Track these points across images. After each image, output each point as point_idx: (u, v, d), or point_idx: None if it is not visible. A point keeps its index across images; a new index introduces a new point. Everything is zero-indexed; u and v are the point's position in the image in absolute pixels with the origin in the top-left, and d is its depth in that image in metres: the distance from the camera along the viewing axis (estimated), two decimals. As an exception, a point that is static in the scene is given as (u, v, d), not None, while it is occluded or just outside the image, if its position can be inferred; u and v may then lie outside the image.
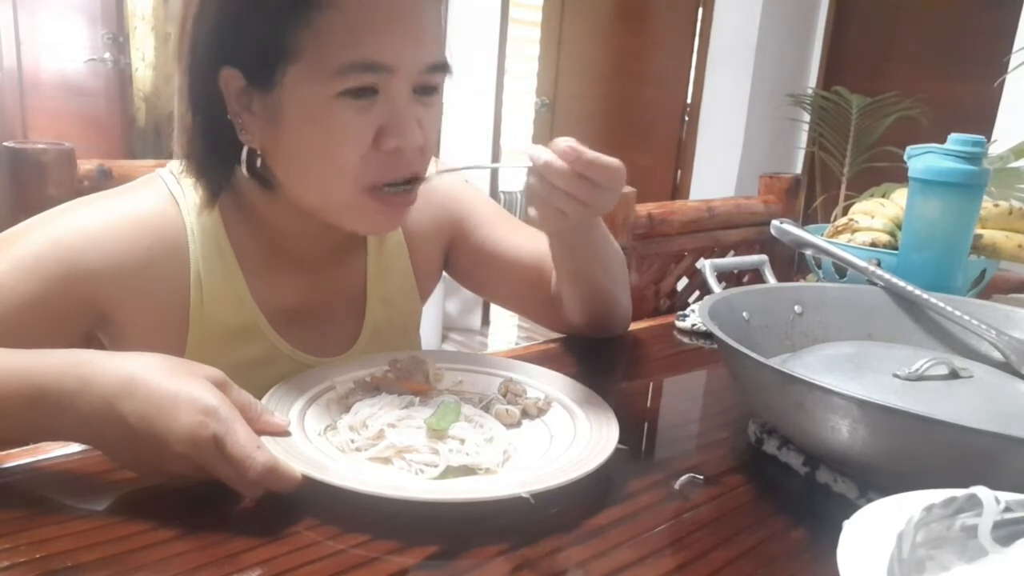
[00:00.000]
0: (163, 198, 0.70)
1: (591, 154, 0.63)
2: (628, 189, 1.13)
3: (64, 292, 0.64)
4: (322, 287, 0.78)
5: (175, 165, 0.71)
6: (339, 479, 0.49)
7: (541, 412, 0.65)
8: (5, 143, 0.79)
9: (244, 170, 0.68)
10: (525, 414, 0.65)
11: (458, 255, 0.90)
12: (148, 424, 0.47)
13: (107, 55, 3.28)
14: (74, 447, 0.55)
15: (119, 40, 3.27)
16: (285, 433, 0.55)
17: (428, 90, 0.66)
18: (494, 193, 4.02)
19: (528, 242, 0.90)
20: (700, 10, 3.18)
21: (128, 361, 0.50)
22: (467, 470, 0.54)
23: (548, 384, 0.70)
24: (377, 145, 0.64)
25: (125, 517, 0.48)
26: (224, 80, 0.64)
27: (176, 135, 0.68)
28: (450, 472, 0.54)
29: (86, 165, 0.85)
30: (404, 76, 0.63)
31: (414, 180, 0.68)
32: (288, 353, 0.75)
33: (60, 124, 3.56)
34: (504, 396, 0.67)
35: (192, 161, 0.68)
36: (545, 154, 0.64)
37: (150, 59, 3.43)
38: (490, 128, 3.81)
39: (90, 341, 0.73)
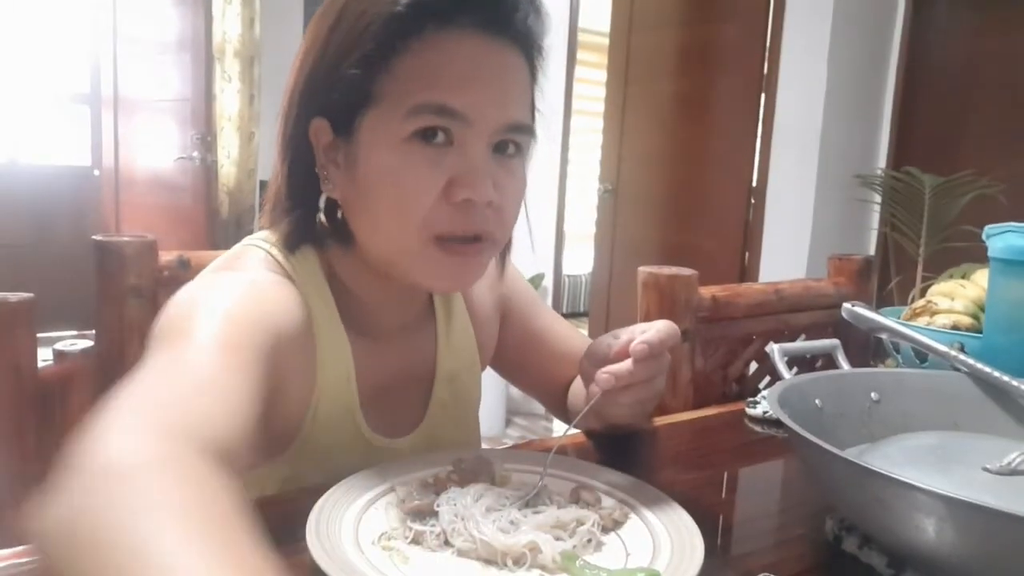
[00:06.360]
0: (283, 275, 0.68)
1: (651, 337, 0.65)
2: (689, 271, 1.11)
3: (274, 363, 0.57)
4: (400, 364, 0.77)
5: (258, 242, 0.70)
6: None
7: (617, 524, 0.60)
8: (93, 236, 0.85)
9: (322, 216, 0.69)
10: (599, 527, 0.59)
11: (502, 337, 0.91)
12: None
13: (195, 153, 3.51)
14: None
15: (207, 140, 3.50)
16: None
17: (508, 151, 0.66)
18: (559, 279, 4.04)
19: (567, 335, 0.92)
20: (763, 95, 3.21)
21: None
22: None
23: (625, 491, 0.64)
24: (447, 196, 0.63)
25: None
26: (314, 131, 0.66)
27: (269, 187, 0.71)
28: None
29: (167, 256, 0.89)
30: (480, 130, 0.63)
31: (484, 238, 0.65)
32: (368, 437, 0.73)
33: (150, 217, 3.80)
34: (576, 503, 0.62)
35: (277, 207, 0.70)
36: (606, 380, 0.65)
37: (234, 156, 3.66)
38: (554, 215, 3.88)
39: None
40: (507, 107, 0.64)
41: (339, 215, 0.69)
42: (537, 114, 0.72)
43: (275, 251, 0.70)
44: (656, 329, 0.66)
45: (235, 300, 0.60)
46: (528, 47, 0.67)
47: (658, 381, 0.68)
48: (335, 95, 0.65)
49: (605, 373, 0.65)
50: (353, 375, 0.71)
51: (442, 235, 0.64)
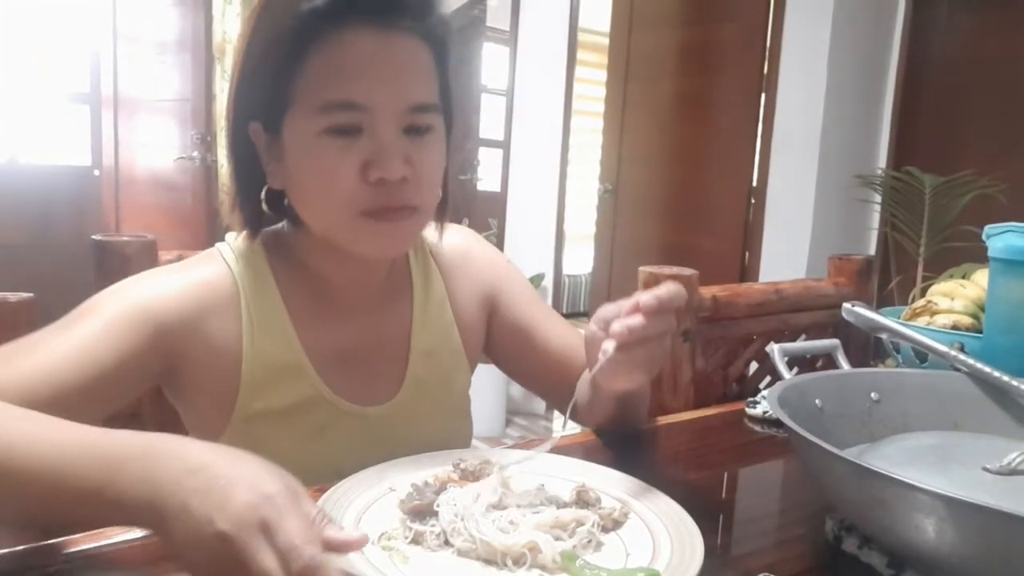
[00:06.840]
0: (219, 264, 0.77)
1: (660, 292, 0.67)
2: (689, 271, 1.11)
3: (151, 347, 0.70)
4: (367, 334, 0.82)
5: (230, 236, 0.80)
6: None
7: (617, 524, 0.60)
8: (93, 236, 0.85)
9: (264, 206, 0.76)
10: (599, 527, 0.59)
11: (494, 328, 0.92)
12: (200, 500, 0.46)
13: (195, 153, 3.50)
14: (135, 533, 0.56)
15: (207, 139, 3.49)
16: (349, 549, 0.49)
17: (419, 130, 0.72)
18: (559, 279, 4.04)
19: (563, 330, 0.92)
20: (763, 96, 3.20)
21: (203, 450, 0.50)
22: None
23: (625, 491, 0.65)
24: (364, 177, 0.70)
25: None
26: (253, 133, 0.74)
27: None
28: None
29: (166, 256, 0.90)
30: (385, 116, 0.69)
31: (409, 208, 0.72)
32: (331, 399, 0.78)
33: (150, 217, 3.79)
34: (576, 503, 0.62)
35: (233, 203, 0.77)
36: (620, 332, 0.67)
37: (234, 156, 3.64)
38: (554, 215, 3.88)
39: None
40: (407, 92, 0.71)
41: (285, 202, 0.77)
42: (455, 91, 0.78)
43: (224, 245, 0.79)
44: (665, 287, 0.68)
45: (133, 292, 0.72)
46: (426, 31, 0.72)
47: (666, 340, 0.70)
48: (260, 100, 0.72)
49: (620, 326, 0.67)
50: (296, 340, 0.77)
51: (367, 211, 0.71)
